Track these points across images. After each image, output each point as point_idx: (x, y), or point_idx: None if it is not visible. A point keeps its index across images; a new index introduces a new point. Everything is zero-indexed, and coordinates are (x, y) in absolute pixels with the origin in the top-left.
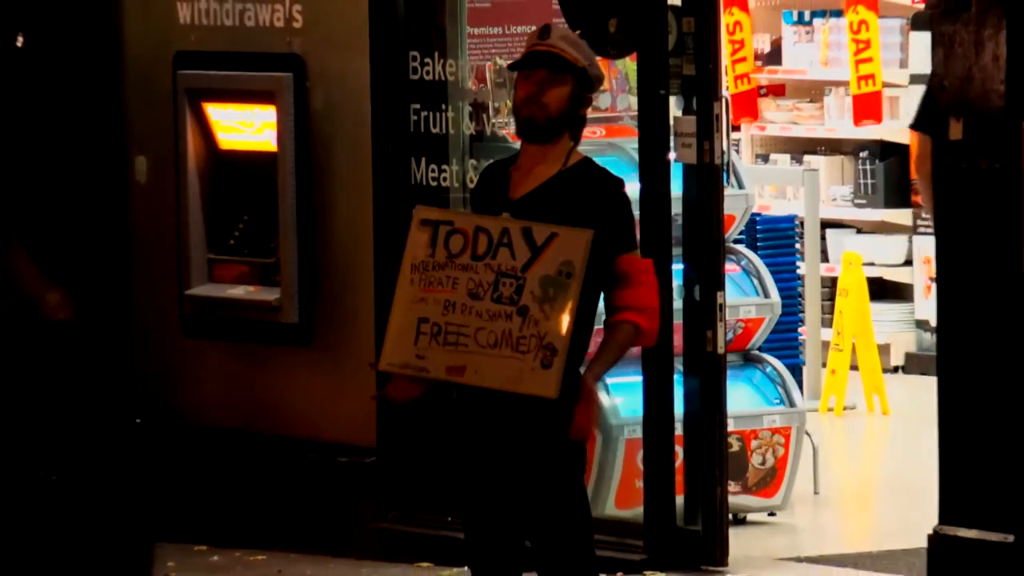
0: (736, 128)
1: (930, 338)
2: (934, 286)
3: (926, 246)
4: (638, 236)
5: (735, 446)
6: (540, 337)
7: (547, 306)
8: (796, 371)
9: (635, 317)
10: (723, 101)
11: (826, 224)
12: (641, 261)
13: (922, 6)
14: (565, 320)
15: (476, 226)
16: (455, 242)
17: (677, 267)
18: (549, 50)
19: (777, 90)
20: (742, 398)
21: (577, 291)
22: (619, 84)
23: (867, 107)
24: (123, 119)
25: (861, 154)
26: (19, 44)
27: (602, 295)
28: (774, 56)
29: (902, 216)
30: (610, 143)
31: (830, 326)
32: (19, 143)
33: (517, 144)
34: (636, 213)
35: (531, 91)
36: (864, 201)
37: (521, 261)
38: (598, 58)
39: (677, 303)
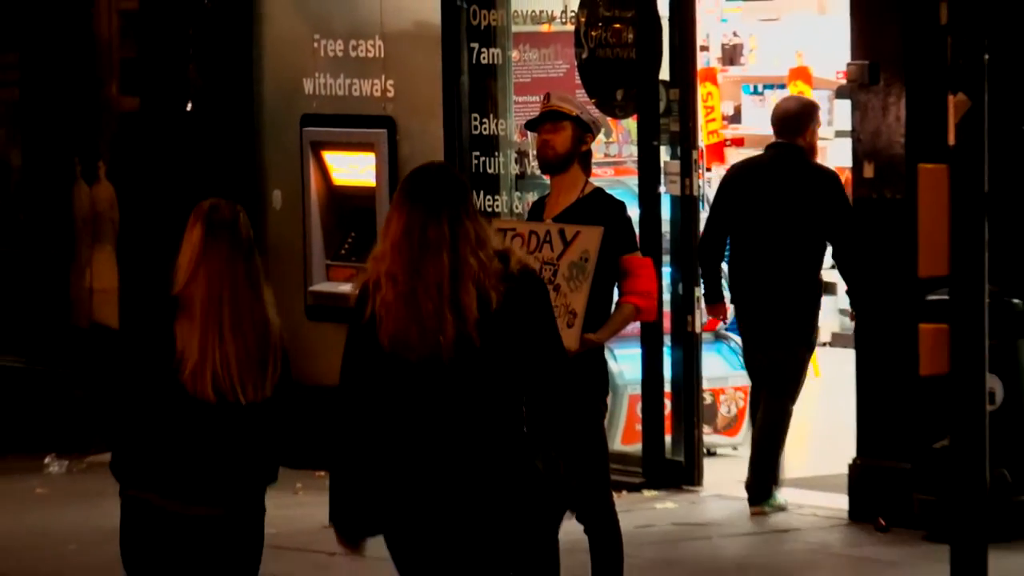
0: (708, 169)
1: (849, 322)
2: None
3: None
4: (638, 244)
5: (708, 399)
6: (567, 306)
7: (571, 283)
8: None
9: (635, 299)
10: (699, 150)
11: None
12: (640, 259)
13: (844, 80)
14: (583, 293)
15: (530, 230)
16: (515, 242)
17: (666, 269)
18: (549, 108)
19: (738, 142)
20: (713, 365)
21: (591, 271)
22: (624, 137)
23: None
24: (260, 163)
25: None
26: (188, 109)
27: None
28: (736, 117)
29: None
30: (618, 180)
31: None
32: (186, 182)
33: (547, 180)
34: (637, 229)
35: (542, 139)
36: None
37: (556, 253)
38: (609, 119)
39: (667, 295)
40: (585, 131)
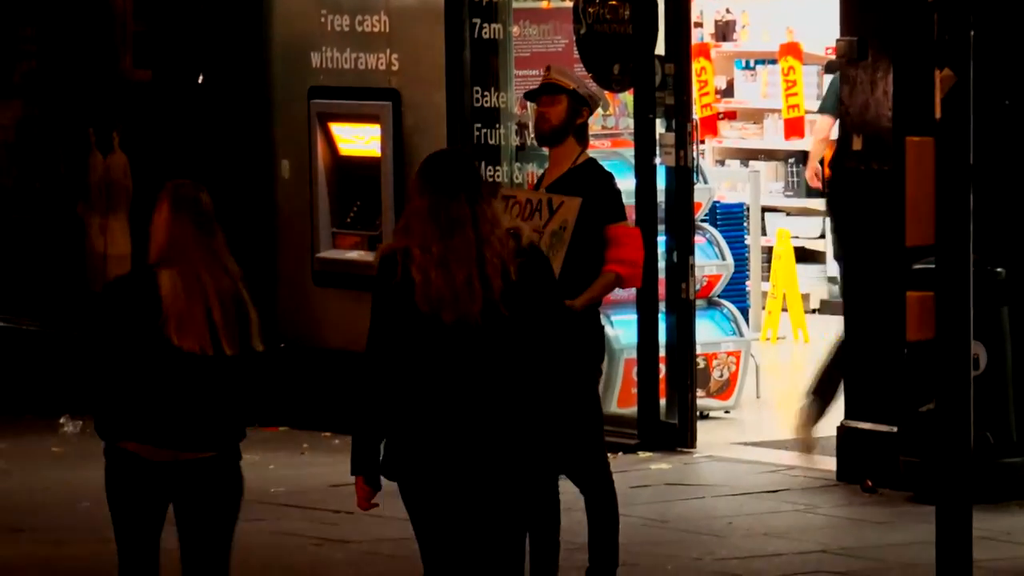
0: (702, 142)
1: (836, 289)
2: None
3: None
4: (633, 216)
5: (701, 364)
6: None
7: (551, 252)
8: (744, 312)
9: (616, 267)
10: (693, 123)
11: (765, 209)
12: (625, 228)
13: (834, 56)
14: (558, 261)
15: (526, 198)
16: (514, 209)
17: (661, 238)
18: (547, 81)
19: (730, 115)
20: (706, 330)
21: (567, 240)
22: (620, 110)
23: (794, 127)
24: (269, 134)
25: (789, 160)
26: (200, 81)
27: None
28: (728, 91)
29: (818, 204)
30: (615, 151)
31: (768, 280)
32: (197, 152)
33: (547, 152)
34: (632, 201)
35: (539, 111)
36: (791, 193)
37: (543, 221)
38: (606, 93)
39: (661, 263)
40: (581, 104)
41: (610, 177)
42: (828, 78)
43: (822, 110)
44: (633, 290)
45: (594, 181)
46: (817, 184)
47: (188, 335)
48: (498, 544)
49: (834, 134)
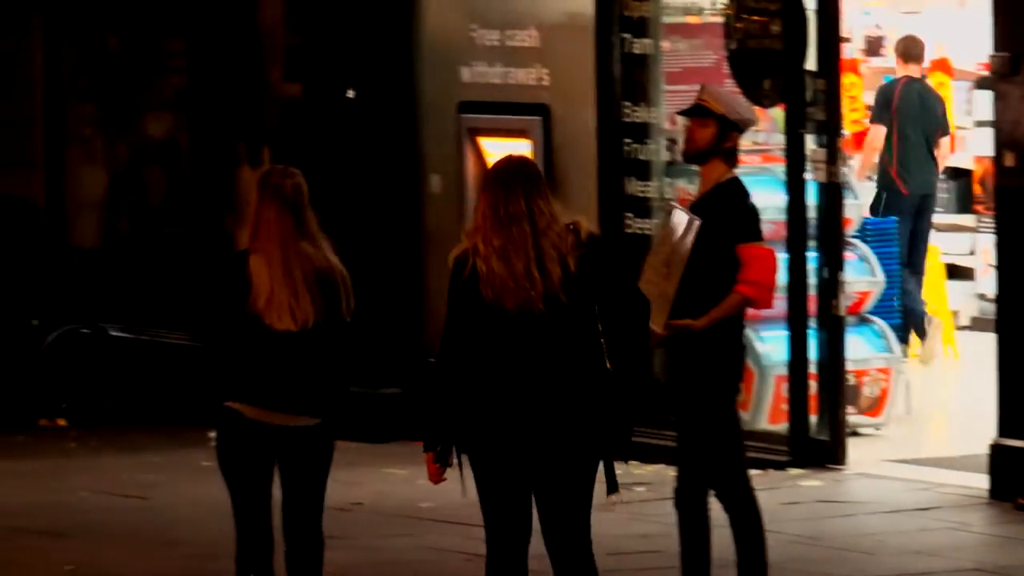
0: (851, 157)
1: (988, 306)
2: (991, 269)
3: (985, 241)
4: (784, 233)
5: (851, 380)
6: (662, 289)
7: (670, 269)
8: (894, 328)
9: (743, 288)
10: (843, 138)
11: None
12: (754, 248)
13: (985, 72)
14: (674, 280)
15: (678, 213)
16: (668, 219)
17: (812, 255)
18: (698, 102)
19: None
20: (857, 347)
21: (684, 260)
22: (771, 126)
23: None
24: (418, 149)
25: (939, 176)
26: (350, 96)
27: None
28: None
29: (968, 220)
30: (764, 167)
31: None
32: (346, 166)
33: (696, 167)
34: (782, 217)
35: (687, 131)
36: (942, 209)
37: (678, 237)
38: (756, 108)
39: (811, 279)
40: (730, 129)
41: (746, 197)
42: (977, 94)
43: (872, 120)
44: (784, 306)
45: (729, 201)
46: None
47: (275, 312)
48: (560, 512)
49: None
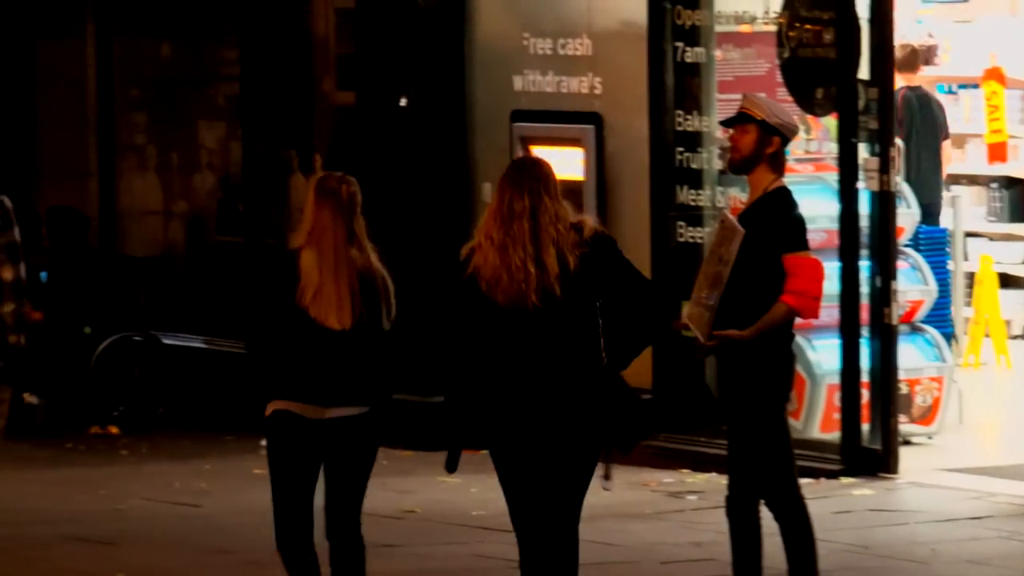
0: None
1: None
2: None
3: None
4: (836, 242)
5: (904, 389)
6: (705, 299)
7: (716, 279)
8: (947, 337)
9: (788, 298)
10: (897, 147)
11: (967, 234)
12: (799, 258)
13: None
14: (718, 290)
15: (721, 222)
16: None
17: (864, 263)
18: (740, 110)
19: None
20: (909, 356)
21: (727, 271)
22: (823, 134)
23: (997, 152)
24: (470, 157)
25: (992, 185)
26: (402, 104)
27: None
28: None
29: (1021, 229)
30: (817, 176)
31: (970, 306)
32: (399, 174)
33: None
34: (834, 226)
35: (731, 139)
36: (994, 218)
37: (725, 247)
38: (808, 117)
39: (864, 288)
40: (771, 133)
41: (792, 207)
42: None
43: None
44: (836, 315)
45: (776, 210)
46: None
47: (322, 308)
48: (562, 493)
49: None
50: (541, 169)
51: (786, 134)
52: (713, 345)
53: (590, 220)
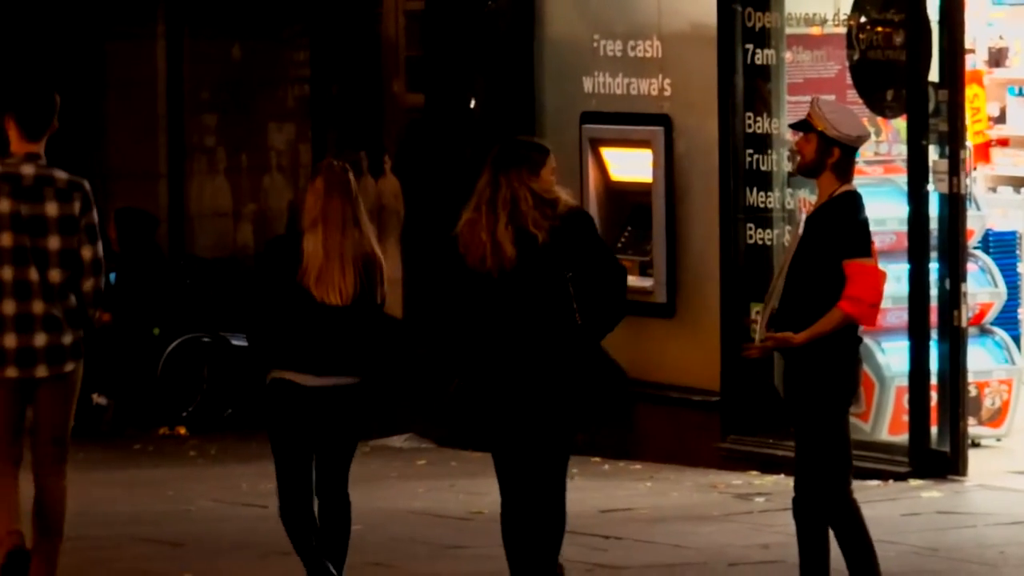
0: (974, 168)
1: None
2: None
3: None
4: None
5: (973, 392)
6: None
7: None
8: (1016, 339)
9: (844, 304)
10: (967, 149)
11: None
12: (857, 264)
13: None
14: (775, 294)
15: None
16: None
17: (934, 266)
18: (805, 117)
19: (1003, 142)
20: (978, 358)
21: (781, 275)
22: (893, 136)
23: None
24: None
25: None
26: (471, 106)
27: None
28: (1001, 118)
29: None
30: (887, 178)
31: None
32: (468, 176)
33: None
34: (903, 228)
35: (796, 144)
36: None
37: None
38: (878, 119)
39: (933, 291)
40: (831, 145)
41: (855, 212)
42: None
43: None
44: (905, 317)
45: (838, 215)
46: None
47: (323, 286)
48: (544, 463)
49: None
50: (524, 150)
51: (849, 144)
52: (765, 347)
53: (565, 195)
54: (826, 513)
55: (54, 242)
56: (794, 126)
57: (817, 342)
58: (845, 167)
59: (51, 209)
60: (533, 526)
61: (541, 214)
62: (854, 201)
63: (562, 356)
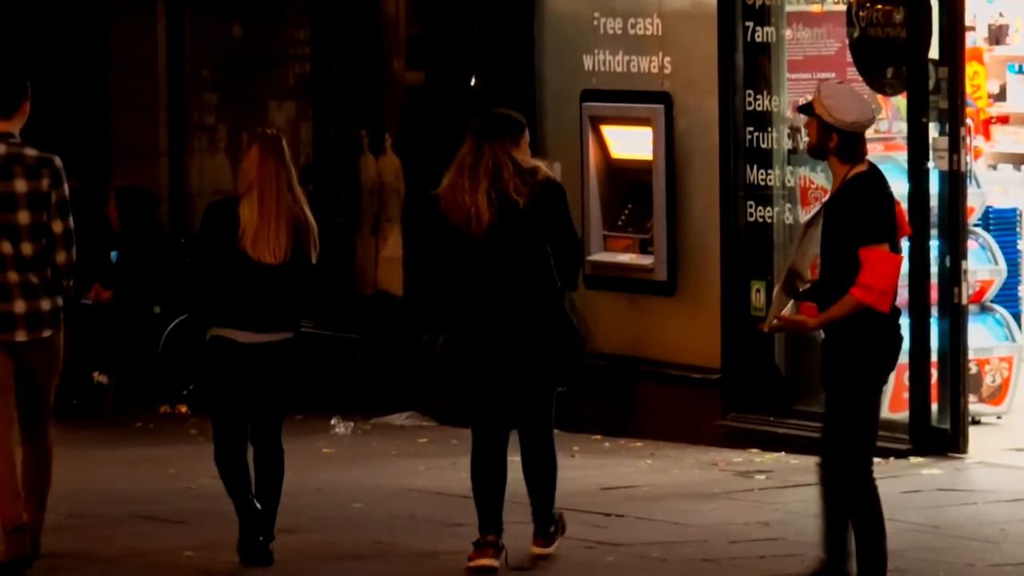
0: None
1: None
2: None
3: None
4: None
5: (973, 369)
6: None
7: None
8: (1017, 317)
9: (856, 291)
10: (967, 127)
11: None
12: (870, 251)
13: None
14: (785, 276)
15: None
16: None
17: (934, 243)
18: (808, 101)
19: (1003, 119)
20: (978, 335)
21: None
22: (893, 114)
23: None
24: (540, 136)
25: None
26: (472, 84)
27: None
28: (1001, 95)
29: None
30: (887, 156)
31: None
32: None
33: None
34: (904, 205)
35: (805, 125)
36: None
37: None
38: (878, 96)
39: (934, 268)
40: (830, 130)
41: (867, 196)
42: None
43: None
44: (906, 295)
45: (851, 200)
46: None
47: (259, 246)
48: (529, 399)
49: None
50: (504, 121)
51: (848, 130)
52: (776, 326)
53: (543, 166)
54: (844, 488)
55: (24, 216)
56: (801, 109)
57: (856, 317)
58: (848, 151)
59: (20, 186)
60: (528, 473)
61: (521, 180)
62: (866, 184)
63: (543, 310)
